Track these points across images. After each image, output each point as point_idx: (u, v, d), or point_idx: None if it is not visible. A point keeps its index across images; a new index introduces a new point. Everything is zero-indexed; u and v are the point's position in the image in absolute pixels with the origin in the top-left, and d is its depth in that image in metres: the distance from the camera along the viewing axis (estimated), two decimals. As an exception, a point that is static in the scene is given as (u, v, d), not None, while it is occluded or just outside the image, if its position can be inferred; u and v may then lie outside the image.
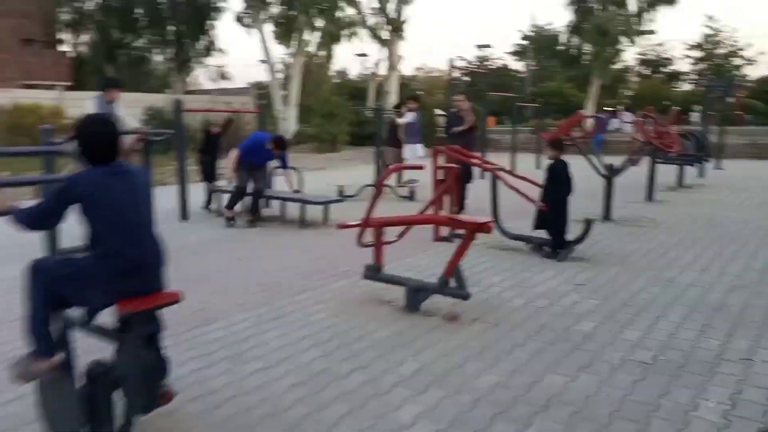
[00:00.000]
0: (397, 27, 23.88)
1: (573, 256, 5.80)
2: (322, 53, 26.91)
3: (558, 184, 5.72)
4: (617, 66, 39.33)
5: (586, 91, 28.16)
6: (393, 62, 24.57)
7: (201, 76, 41.45)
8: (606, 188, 7.77)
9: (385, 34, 24.94)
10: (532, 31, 31.26)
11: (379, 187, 4.12)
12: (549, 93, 37.46)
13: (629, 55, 41.98)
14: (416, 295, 4.16)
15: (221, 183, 9.74)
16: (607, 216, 7.81)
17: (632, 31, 23.97)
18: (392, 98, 25.86)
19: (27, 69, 29.17)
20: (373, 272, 4.40)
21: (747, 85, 35.81)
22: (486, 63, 53.73)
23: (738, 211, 8.58)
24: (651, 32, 40.85)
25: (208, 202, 9.04)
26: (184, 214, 8.00)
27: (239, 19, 29.85)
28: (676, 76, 44.37)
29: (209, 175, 9.19)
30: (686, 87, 42.52)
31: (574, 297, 4.56)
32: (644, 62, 44.54)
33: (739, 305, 4.32)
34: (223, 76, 37.52)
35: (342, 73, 51.78)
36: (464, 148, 6.82)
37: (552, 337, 3.73)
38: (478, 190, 8.27)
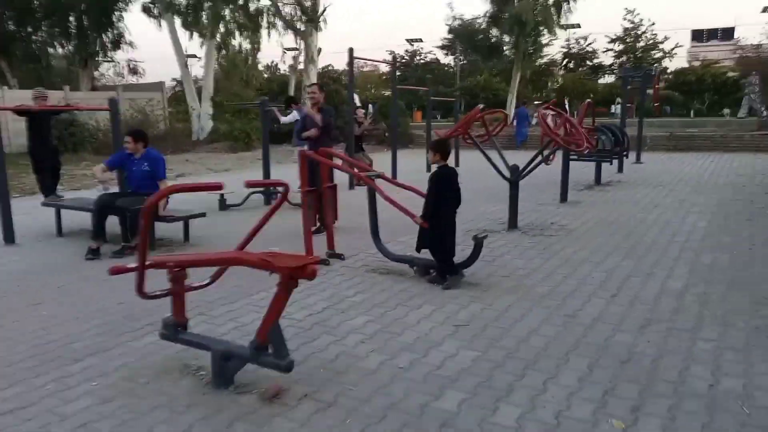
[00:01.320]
0: (312, 17, 22.52)
1: (464, 279, 4.80)
2: (236, 44, 25.24)
3: (441, 196, 4.68)
4: (543, 59, 39.52)
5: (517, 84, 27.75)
6: (311, 55, 23.21)
7: (110, 72, 38.41)
8: (511, 193, 6.84)
9: (301, 25, 23.53)
10: (458, 24, 30.50)
11: (146, 213, 2.93)
12: (477, 87, 37.15)
13: (554, 48, 42.25)
14: (226, 364, 2.99)
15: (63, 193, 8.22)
16: (513, 224, 6.89)
17: (551, 22, 23.54)
18: (312, 93, 24.55)
19: None
20: (171, 330, 3.20)
21: (665, 76, 36.55)
22: (416, 57, 53.19)
23: (656, 212, 7.87)
24: (576, 26, 41.31)
25: (45, 189, 7.65)
26: (9, 236, 6.51)
27: (147, 10, 27.76)
28: (599, 68, 44.92)
29: (42, 171, 7.70)
30: (609, 79, 43.12)
31: (448, 347, 3.51)
32: (569, 55, 44.89)
33: (651, 353, 3.38)
34: (134, 71, 35.04)
35: (273, 68, 49.81)
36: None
37: (399, 424, 2.65)
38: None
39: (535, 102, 28.30)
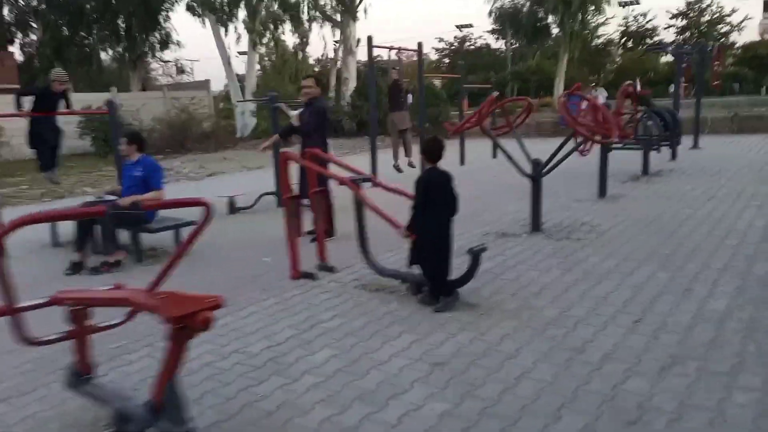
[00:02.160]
0: (349, 8, 21.97)
1: (463, 298, 4.12)
2: (274, 38, 25.00)
3: (429, 203, 4.01)
4: (599, 39, 37.56)
5: (567, 67, 26.31)
6: (348, 46, 22.70)
7: (159, 71, 39.18)
8: (533, 191, 6.06)
9: (338, 16, 23.03)
10: (500, 6, 29.15)
11: None
12: (529, 71, 35.68)
13: (611, 27, 40.03)
14: (126, 426, 2.48)
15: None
16: (535, 226, 6.12)
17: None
18: (351, 85, 24.08)
19: (-33, 72, 27.25)
20: (73, 379, 2.72)
21: (733, 51, 33.97)
22: (466, 43, 51.89)
23: (707, 207, 6.90)
24: (635, 2, 38.93)
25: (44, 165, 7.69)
26: None
27: (191, 9, 27.95)
28: (660, 46, 42.31)
29: (40, 146, 7.69)
30: (670, 58, 40.56)
31: (415, 396, 2.88)
32: (627, 34, 42.53)
33: (669, 409, 2.64)
34: (181, 71, 35.56)
35: (324, 61, 49.67)
36: (318, 149, 5.16)
37: None
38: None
39: (593, 85, 26.85)
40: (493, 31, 47.50)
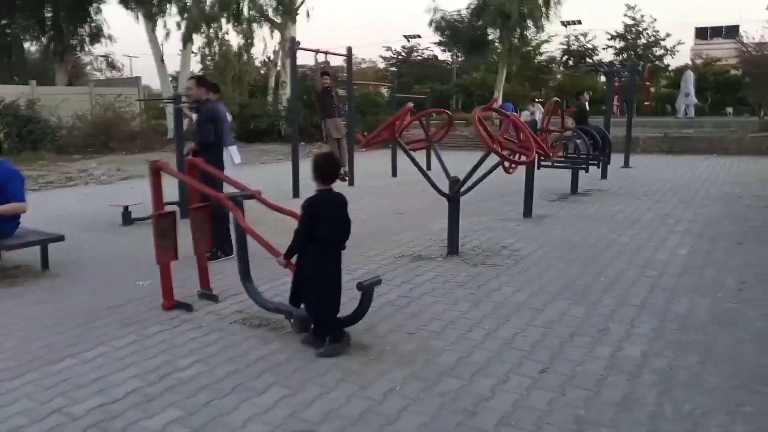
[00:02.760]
0: (288, 9, 21.27)
1: (354, 337, 3.56)
2: (204, 37, 24.00)
3: (316, 231, 3.42)
4: (541, 56, 38.22)
5: (509, 82, 26.36)
6: (287, 48, 21.92)
7: (90, 66, 37.07)
8: (450, 212, 5.59)
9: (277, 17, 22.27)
10: (440, 17, 28.84)
11: None
12: (473, 84, 35.85)
13: (554, 45, 40.82)
14: None
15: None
16: (452, 249, 5.64)
17: (538, 14, 22.15)
18: (289, 89, 23.32)
19: None
20: None
21: (663, 74, 35.16)
22: (413, 54, 51.81)
23: (630, 232, 6.61)
24: (576, 22, 39.81)
25: None
26: None
27: (124, 2, 26.52)
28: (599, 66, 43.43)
29: None
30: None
31: (258, 479, 2.28)
32: (569, 52, 43.44)
33: (562, 502, 2.15)
34: (112, 66, 33.82)
35: (270, 63, 48.20)
36: (206, 162, 4.52)
37: None
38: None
39: (536, 100, 27.02)
40: (440, 43, 47.72)
